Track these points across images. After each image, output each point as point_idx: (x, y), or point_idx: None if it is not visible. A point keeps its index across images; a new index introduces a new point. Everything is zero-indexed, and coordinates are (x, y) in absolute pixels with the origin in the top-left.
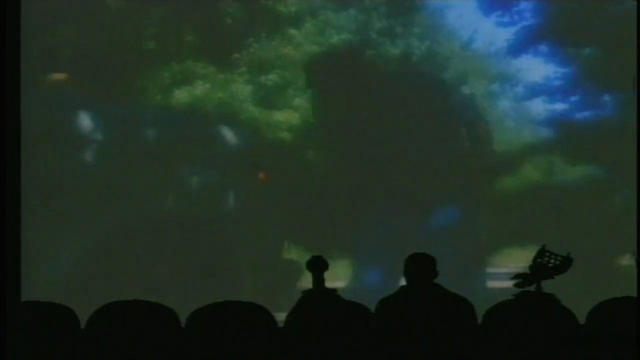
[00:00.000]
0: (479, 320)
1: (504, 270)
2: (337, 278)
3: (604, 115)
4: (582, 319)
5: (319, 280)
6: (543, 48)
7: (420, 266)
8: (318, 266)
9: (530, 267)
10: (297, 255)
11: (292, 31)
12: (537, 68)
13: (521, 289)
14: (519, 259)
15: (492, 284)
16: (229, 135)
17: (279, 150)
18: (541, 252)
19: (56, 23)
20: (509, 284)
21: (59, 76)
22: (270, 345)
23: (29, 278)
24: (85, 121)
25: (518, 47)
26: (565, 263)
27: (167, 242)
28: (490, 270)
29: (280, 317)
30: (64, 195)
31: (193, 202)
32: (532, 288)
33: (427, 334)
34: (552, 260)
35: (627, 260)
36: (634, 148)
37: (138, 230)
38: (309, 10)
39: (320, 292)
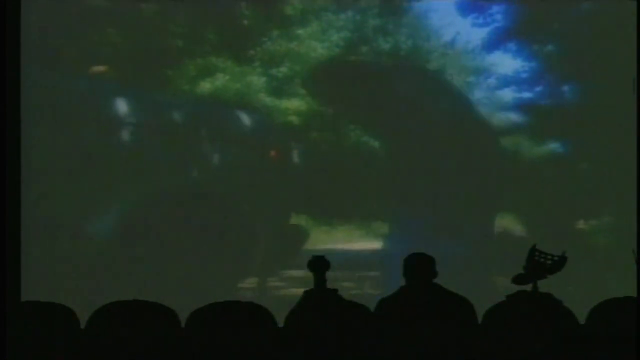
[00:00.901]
0: (479, 320)
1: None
2: (338, 241)
3: (564, 102)
4: (582, 319)
5: (320, 280)
6: (512, 45)
7: (420, 266)
8: (319, 266)
9: (525, 267)
10: (303, 222)
11: (299, 30)
12: (507, 62)
13: (517, 289)
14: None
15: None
16: (245, 119)
17: (288, 133)
18: (532, 252)
19: (102, 23)
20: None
21: (100, 68)
22: (270, 345)
23: (74, 238)
24: (121, 106)
25: (491, 45)
26: (560, 262)
27: (191, 210)
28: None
29: (288, 274)
30: (104, 169)
31: (214, 176)
32: (528, 288)
33: (427, 333)
34: (543, 259)
35: (583, 225)
36: (590, 127)
37: (166, 199)
38: (313, 12)
39: (320, 292)
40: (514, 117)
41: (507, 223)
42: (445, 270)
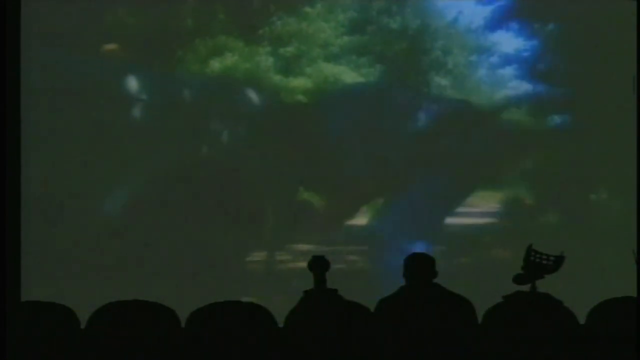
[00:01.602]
0: (479, 320)
1: (477, 209)
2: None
3: (563, 79)
4: (582, 319)
5: (320, 280)
6: (514, 24)
7: (420, 266)
8: (319, 266)
9: (523, 267)
10: (310, 197)
11: (307, 9)
12: (509, 41)
13: (516, 289)
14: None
15: (466, 220)
16: (253, 97)
17: (295, 111)
18: (528, 252)
19: (113, 4)
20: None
21: (111, 47)
22: (270, 345)
23: (85, 216)
24: (132, 85)
25: (494, 24)
26: (558, 262)
27: (201, 185)
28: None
29: (296, 248)
30: (115, 147)
31: (223, 152)
32: (527, 288)
33: (427, 334)
34: (539, 259)
35: (596, 195)
36: (591, 104)
37: (177, 174)
38: None
39: (320, 292)
40: (513, 93)
41: (510, 197)
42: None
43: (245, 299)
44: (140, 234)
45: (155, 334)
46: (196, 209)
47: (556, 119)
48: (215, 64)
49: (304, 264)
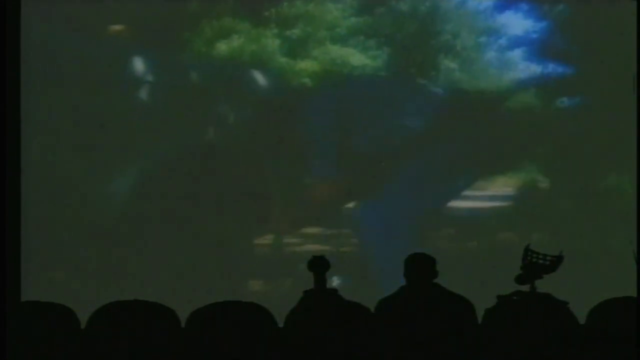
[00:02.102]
0: (479, 320)
1: (487, 193)
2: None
3: (573, 61)
4: (582, 319)
5: (320, 280)
6: (523, 5)
7: (420, 266)
8: (319, 266)
9: (522, 267)
10: (318, 180)
11: None
12: (518, 23)
13: (516, 289)
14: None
15: (474, 204)
16: (260, 80)
17: (301, 93)
18: (526, 252)
19: None
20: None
21: (118, 28)
22: (270, 345)
23: (90, 198)
24: (138, 66)
25: (503, 4)
26: (556, 262)
27: (208, 168)
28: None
29: (304, 231)
30: (121, 129)
31: (230, 135)
32: (527, 288)
33: (427, 334)
34: (536, 259)
35: (608, 178)
36: (601, 86)
37: (184, 157)
38: None
39: (321, 292)
40: (523, 75)
41: (520, 180)
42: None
43: (253, 282)
44: (147, 217)
45: (155, 334)
46: (202, 192)
47: (566, 101)
48: (222, 46)
49: (312, 247)
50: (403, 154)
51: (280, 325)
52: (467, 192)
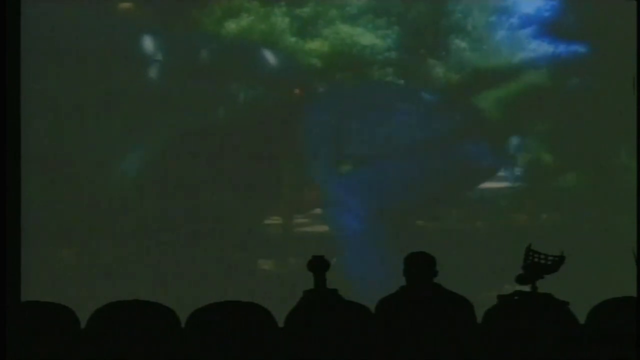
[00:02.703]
0: (479, 320)
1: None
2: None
3: (585, 39)
4: (582, 319)
5: (320, 280)
6: None
7: (420, 265)
8: (319, 266)
9: (523, 267)
10: (327, 160)
11: None
12: (529, 1)
13: (515, 289)
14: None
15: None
16: (270, 59)
17: (311, 74)
18: (528, 252)
19: None
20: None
21: (127, 5)
22: (270, 345)
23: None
24: (148, 44)
25: None
26: (558, 262)
27: (217, 147)
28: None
29: (312, 212)
30: (131, 108)
31: (240, 114)
32: (528, 288)
33: (427, 334)
34: (537, 259)
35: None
36: (608, 64)
37: (193, 136)
38: None
39: (321, 293)
40: (534, 54)
41: (529, 160)
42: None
43: (263, 262)
44: (156, 197)
45: (155, 334)
46: (212, 171)
47: (577, 80)
48: (231, 25)
49: (320, 228)
50: (410, 135)
51: (280, 325)
52: (475, 172)
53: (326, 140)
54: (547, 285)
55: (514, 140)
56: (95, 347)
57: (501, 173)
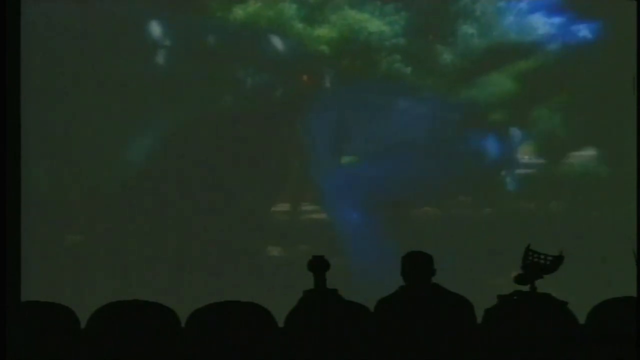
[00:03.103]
0: (479, 320)
1: None
2: None
3: (595, 25)
4: (582, 319)
5: (320, 280)
6: None
7: (418, 265)
8: (319, 266)
9: (522, 267)
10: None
11: None
12: None
13: (515, 289)
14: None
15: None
16: (277, 46)
17: (319, 60)
18: (527, 252)
19: None
20: None
21: None
22: (270, 345)
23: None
24: (155, 29)
25: None
26: (557, 262)
27: (225, 133)
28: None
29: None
30: (138, 94)
31: (247, 100)
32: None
33: (427, 333)
34: (536, 259)
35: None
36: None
37: (201, 122)
38: None
39: (321, 293)
40: (544, 41)
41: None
42: None
43: (271, 249)
44: (163, 183)
45: (155, 334)
46: (219, 157)
47: (586, 66)
48: (239, 11)
49: (327, 215)
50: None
51: (281, 325)
52: (482, 157)
53: (332, 130)
54: (549, 284)
55: (520, 129)
56: (95, 347)
57: (507, 161)
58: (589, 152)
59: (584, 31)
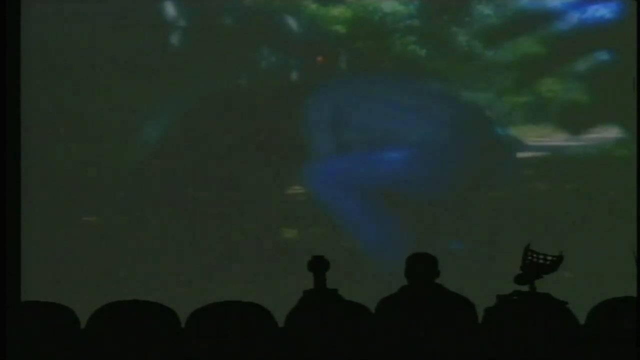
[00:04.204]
0: (479, 320)
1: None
2: None
3: (614, 4)
4: (582, 319)
5: (320, 280)
6: None
7: (421, 266)
8: (319, 266)
9: (522, 267)
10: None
11: None
12: None
13: (515, 289)
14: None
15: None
16: (293, 26)
17: (334, 40)
18: (526, 252)
19: None
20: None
21: None
22: (270, 345)
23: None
24: (170, 10)
25: None
26: (556, 262)
27: (240, 111)
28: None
29: None
30: (153, 74)
31: (262, 80)
32: (526, 288)
33: (428, 334)
34: (536, 259)
35: None
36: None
37: (217, 102)
38: None
39: (321, 293)
40: (562, 22)
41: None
42: None
43: (286, 230)
44: (178, 164)
45: (155, 334)
46: (234, 138)
47: (606, 51)
48: None
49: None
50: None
51: (281, 325)
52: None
53: (336, 113)
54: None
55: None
56: (95, 347)
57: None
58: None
59: (602, 10)
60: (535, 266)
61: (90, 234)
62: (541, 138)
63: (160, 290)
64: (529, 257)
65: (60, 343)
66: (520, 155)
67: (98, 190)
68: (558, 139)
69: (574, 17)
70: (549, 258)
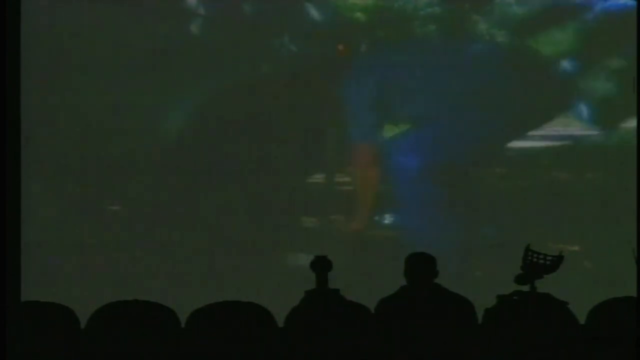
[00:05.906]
0: (479, 320)
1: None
2: None
3: None
4: (582, 319)
5: (322, 280)
6: None
7: (421, 266)
8: (321, 266)
9: (522, 267)
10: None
11: None
12: None
13: (515, 289)
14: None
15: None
16: (313, 15)
17: (354, 28)
18: (526, 252)
19: None
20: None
21: None
22: (270, 345)
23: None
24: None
25: None
26: (556, 262)
27: (261, 100)
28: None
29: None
30: (173, 64)
31: (283, 68)
32: (527, 288)
33: (428, 334)
34: (536, 259)
35: None
36: None
37: (237, 90)
38: None
39: (322, 293)
40: (583, 15)
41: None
42: None
43: (306, 219)
44: (199, 153)
45: (155, 334)
46: (254, 127)
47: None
48: None
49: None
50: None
51: (280, 325)
52: (520, 130)
53: (371, 100)
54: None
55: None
56: (95, 347)
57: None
58: None
59: None
60: (535, 266)
61: (90, 234)
62: (566, 127)
63: (160, 290)
64: (529, 257)
65: (60, 343)
66: (540, 144)
67: (120, 178)
68: (579, 128)
69: (597, 7)
70: (549, 258)
